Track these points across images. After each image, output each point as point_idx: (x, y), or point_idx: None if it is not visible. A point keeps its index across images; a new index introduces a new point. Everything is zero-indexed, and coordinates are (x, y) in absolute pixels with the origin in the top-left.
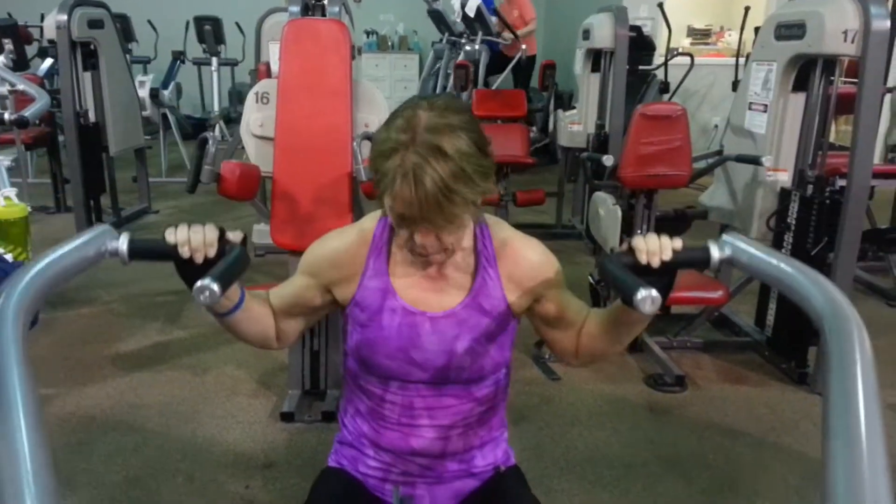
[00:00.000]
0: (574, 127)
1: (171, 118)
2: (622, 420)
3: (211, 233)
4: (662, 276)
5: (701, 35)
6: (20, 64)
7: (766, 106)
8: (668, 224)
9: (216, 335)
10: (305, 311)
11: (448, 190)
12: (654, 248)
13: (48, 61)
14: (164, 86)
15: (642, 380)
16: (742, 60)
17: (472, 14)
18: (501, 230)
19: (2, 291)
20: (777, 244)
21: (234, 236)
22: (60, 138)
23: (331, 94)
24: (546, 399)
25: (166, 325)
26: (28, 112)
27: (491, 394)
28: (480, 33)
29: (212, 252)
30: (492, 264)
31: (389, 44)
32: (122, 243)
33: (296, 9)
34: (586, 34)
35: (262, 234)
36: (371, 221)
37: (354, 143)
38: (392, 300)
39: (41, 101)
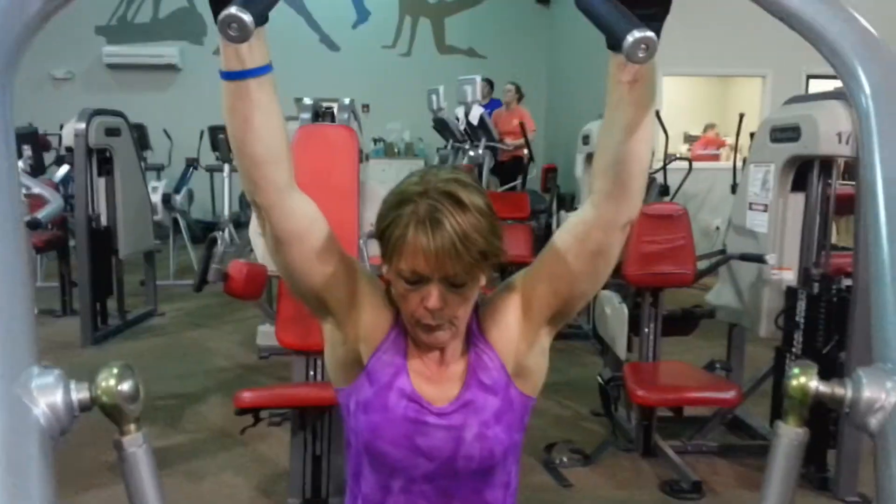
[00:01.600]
0: None
1: (181, 222)
2: None
3: None
4: (655, 8)
5: (696, 140)
6: (37, 169)
7: (766, 206)
8: (676, 323)
9: (215, 440)
10: (332, 255)
11: (466, 238)
12: None
13: (64, 168)
14: (177, 191)
15: (657, 486)
16: (739, 164)
17: (475, 122)
18: (481, 299)
19: None
20: (787, 343)
21: None
22: (72, 243)
23: (339, 194)
24: None
25: (165, 430)
26: (41, 214)
27: (500, 498)
28: (484, 139)
29: None
30: (478, 335)
31: (396, 150)
32: None
33: (307, 116)
34: (586, 139)
35: (266, 335)
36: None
37: (361, 242)
38: (402, 381)
39: (54, 203)
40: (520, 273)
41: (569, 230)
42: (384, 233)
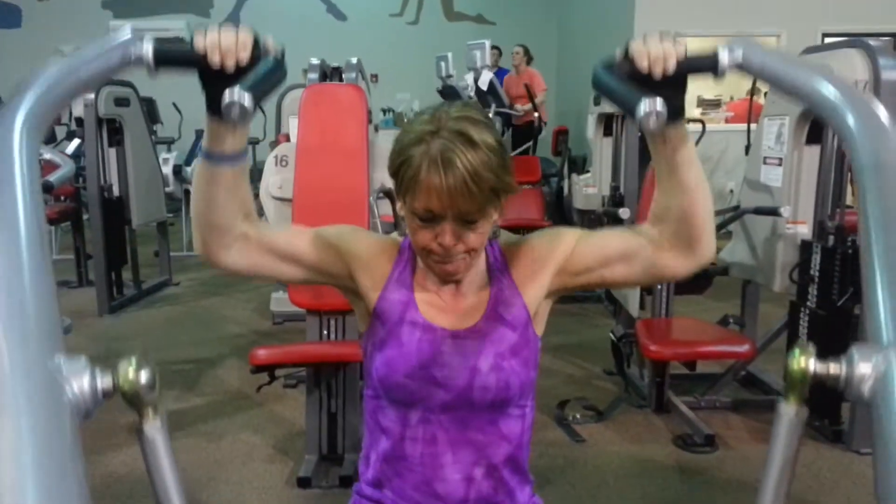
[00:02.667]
0: (589, 190)
1: None
2: (652, 482)
3: (244, 34)
4: (668, 86)
5: (711, 105)
6: (48, 138)
7: (780, 160)
8: (689, 281)
9: (232, 402)
10: (287, 251)
11: (477, 176)
12: (657, 53)
13: (75, 142)
14: (188, 163)
15: (671, 440)
16: (753, 126)
17: (485, 87)
18: (507, 237)
19: (15, 94)
20: (801, 296)
21: (271, 43)
22: (85, 216)
23: (348, 154)
24: (571, 462)
25: (183, 393)
26: (53, 177)
27: (517, 430)
28: (494, 105)
29: (244, 56)
30: (504, 272)
31: (405, 120)
32: (147, 49)
33: (314, 76)
34: (597, 100)
35: (279, 302)
36: (400, 237)
37: (371, 200)
38: (413, 313)
39: (66, 167)
40: (572, 233)
41: (648, 247)
42: (397, 172)
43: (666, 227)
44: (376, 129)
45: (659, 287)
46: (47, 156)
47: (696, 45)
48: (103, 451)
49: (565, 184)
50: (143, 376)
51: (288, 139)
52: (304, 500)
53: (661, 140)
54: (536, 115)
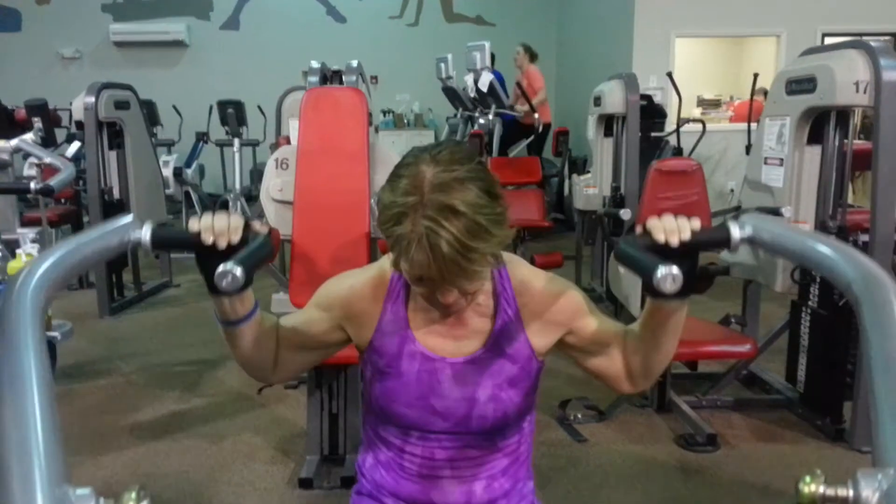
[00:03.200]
0: (589, 190)
1: (193, 196)
2: (653, 482)
3: (236, 219)
4: (683, 259)
5: (711, 105)
6: (48, 142)
7: (781, 160)
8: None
9: (234, 403)
10: (312, 344)
11: (466, 249)
12: (672, 227)
13: (75, 144)
14: (188, 165)
15: (672, 440)
16: (753, 125)
17: (485, 89)
18: (519, 268)
19: (22, 274)
20: (803, 296)
21: (260, 227)
22: (85, 219)
23: (348, 157)
24: (573, 461)
25: (184, 394)
26: (53, 181)
27: (515, 444)
28: (494, 106)
29: (235, 237)
30: (511, 305)
31: (405, 121)
32: (146, 233)
33: (315, 79)
34: (598, 101)
35: (280, 303)
36: (389, 263)
37: (372, 202)
38: (411, 346)
39: (66, 171)
40: (589, 303)
41: (623, 332)
42: (387, 235)
43: (636, 366)
44: (377, 130)
45: None
46: (48, 160)
47: (706, 224)
48: (105, 452)
49: (566, 184)
50: None
51: (288, 142)
52: (306, 500)
53: (660, 307)
54: (537, 115)
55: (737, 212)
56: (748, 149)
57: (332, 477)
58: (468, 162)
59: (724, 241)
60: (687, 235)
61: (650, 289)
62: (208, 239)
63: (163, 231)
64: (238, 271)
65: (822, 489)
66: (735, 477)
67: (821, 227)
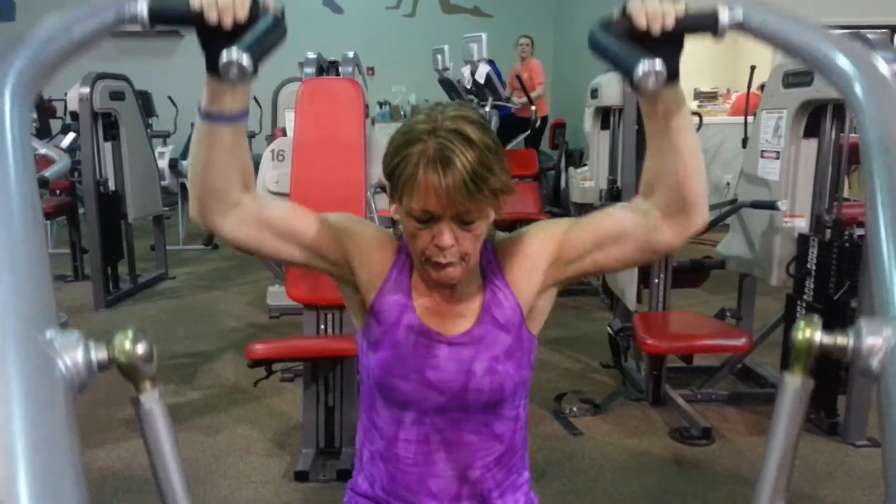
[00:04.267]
0: (586, 183)
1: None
2: (648, 475)
3: None
4: (666, 46)
5: (707, 98)
6: (43, 133)
7: (777, 153)
8: (686, 275)
9: (229, 395)
10: (300, 238)
11: (476, 175)
12: (655, 11)
13: (70, 135)
14: (184, 156)
15: (667, 433)
16: (750, 118)
17: (482, 80)
18: (500, 238)
19: (5, 54)
20: (798, 290)
21: (270, 1)
22: (81, 211)
23: (345, 148)
24: (568, 454)
25: (180, 387)
26: (49, 172)
27: (510, 430)
28: (490, 98)
29: (242, 14)
30: (497, 273)
31: (402, 113)
32: (142, 5)
33: (311, 70)
34: (594, 93)
35: (276, 296)
36: (396, 238)
37: (368, 195)
38: (410, 316)
39: (62, 162)
40: (560, 223)
41: (638, 222)
42: (393, 172)
43: (658, 196)
44: (373, 122)
45: (656, 280)
46: (42, 150)
47: (694, 4)
48: (101, 445)
49: (562, 177)
50: (140, 348)
51: (284, 133)
52: (302, 493)
53: (655, 104)
54: (533, 108)
55: (732, 205)
56: (745, 142)
57: (328, 470)
58: (478, 114)
59: (712, 26)
60: (671, 21)
61: (631, 86)
62: (212, 16)
63: (161, 4)
64: (245, 60)
65: (818, 336)
66: (730, 470)
67: (816, 220)
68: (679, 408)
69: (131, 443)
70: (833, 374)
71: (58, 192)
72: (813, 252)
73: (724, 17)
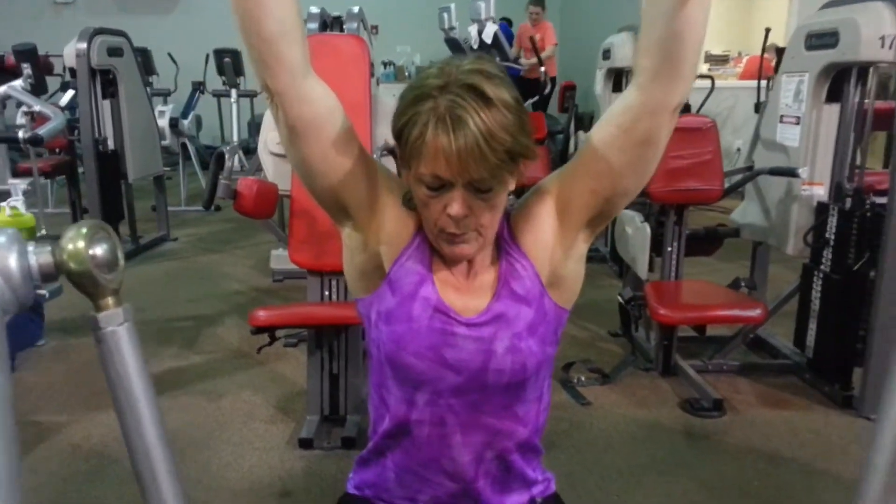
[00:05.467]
0: None
1: (190, 148)
2: (659, 446)
3: None
4: None
5: (719, 61)
6: (38, 89)
7: (798, 118)
8: (699, 242)
9: (233, 360)
10: (349, 152)
11: (491, 136)
12: None
13: (69, 93)
14: (184, 115)
15: (677, 404)
16: (763, 82)
17: (489, 41)
18: (512, 205)
19: None
20: (815, 260)
21: None
22: (80, 170)
23: (350, 108)
24: (576, 425)
25: (182, 351)
26: (42, 130)
27: (533, 414)
28: (498, 59)
29: None
30: (511, 244)
31: (406, 74)
32: None
33: (314, 26)
34: (607, 54)
35: (279, 259)
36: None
37: (374, 158)
38: (427, 289)
39: (56, 120)
40: (552, 175)
41: (610, 121)
42: (401, 133)
43: (644, 60)
44: (377, 82)
45: (669, 248)
46: (37, 107)
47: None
48: (100, 410)
49: (571, 141)
50: (99, 249)
51: None
52: (306, 461)
53: None
54: (543, 69)
55: (749, 171)
56: (757, 107)
57: (332, 437)
58: (498, 67)
59: None
60: None
61: None
62: None
63: None
64: None
65: None
66: (741, 443)
67: (836, 188)
68: (689, 378)
69: None
70: (849, 346)
71: (57, 150)
72: (832, 221)
73: None
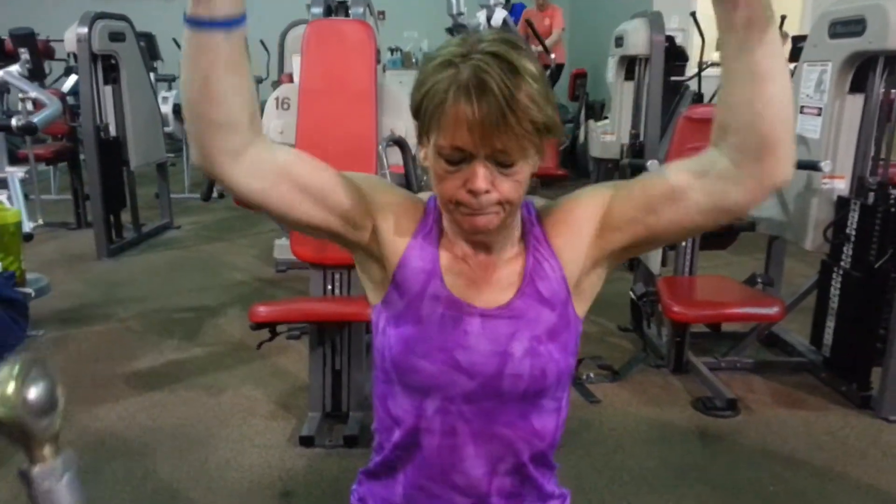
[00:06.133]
0: (607, 137)
1: None
2: (671, 447)
3: None
4: None
5: None
6: (36, 74)
7: (819, 109)
8: (714, 236)
9: (234, 353)
10: (320, 192)
11: (516, 103)
12: None
13: (72, 78)
14: None
15: (690, 403)
16: None
17: (497, 26)
18: (545, 204)
19: None
20: (835, 256)
21: None
22: (82, 156)
23: (355, 97)
24: (586, 424)
25: (183, 343)
26: (37, 118)
27: (551, 427)
28: None
29: None
30: (542, 241)
31: (413, 60)
32: None
33: (318, 10)
34: (619, 41)
35: (283, 249)
36: (425, 196)
37: (380, 149)
38: (436, 285)
39: (52, 107)
40: (607, 186)
41: (700, 178)
42: (420, 104)
43: (731, 136)
44: (384, 69)
45: (683, 243)
46: (33, 94)
47: None
48: (100, 403)
49: (581, 131)
50: (34, 392)
51: (291, 79)
52: (308, 459)
53: (736, 7)
54: (553, 56)
55: None
56: None
57: (334, 435)
58: (523, 44)
59: None
60: None
61: None
62: None
63: None
64: None
65: None
66: (755, 444)
67: (858, 182)
68: (702, 376)
69: (132, 401)
70: (868, 345)
71: (59, 136)
72: (853, 216)
73: None
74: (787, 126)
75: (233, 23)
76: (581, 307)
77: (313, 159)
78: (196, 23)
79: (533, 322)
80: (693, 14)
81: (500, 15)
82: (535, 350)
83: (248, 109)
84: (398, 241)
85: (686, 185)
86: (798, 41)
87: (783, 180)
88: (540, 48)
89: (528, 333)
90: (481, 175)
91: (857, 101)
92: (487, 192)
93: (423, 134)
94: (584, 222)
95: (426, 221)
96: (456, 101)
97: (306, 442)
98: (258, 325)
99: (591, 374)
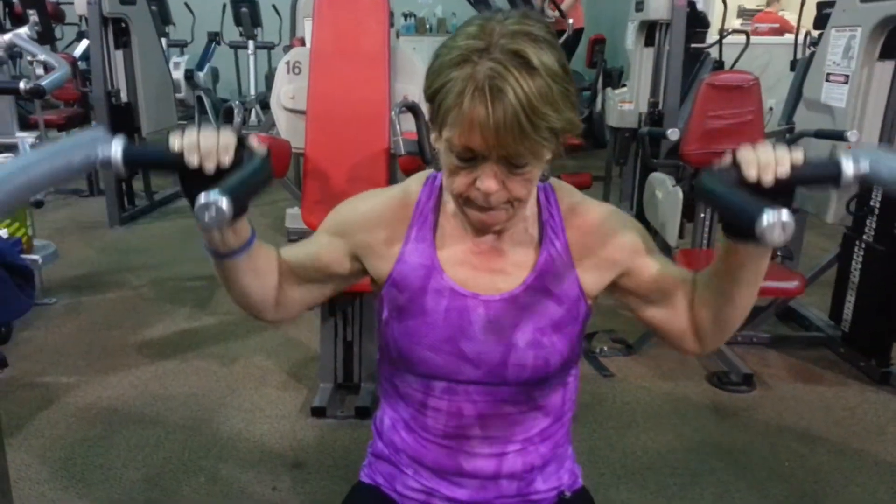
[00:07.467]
0: (625, 106)
1: (206, 101)
2: (685, 422)
3: (226, 136)
4: (777, 197)
5: (752, 16)
6: (45, 37)
7: (846, 77)
8: None
9: (246, 322)
10: (320, 276)
11: (533, 110)
12: (768, 161)
13: (83, 42)
14: (200, 67)
15: (705, 378)
16: (801, 38)
17: None
18: (570, 195)
19: None
20: (857, 229)
21: (258, 146)
22: (93, 122)
23: (367, 61)
24: (599, 398)
25: (195, 311)
26: (45, 81)
27: (558, 402)
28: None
29: (226, 159)
30: (559, 236)
31: (428, 26)
32: (116, 150)
33: None
34: (639, 5)
35: (294, 218)
36: (416, 184)
37: (392, 114)
38: (438, 279)
39: (60, 70)
40: (648, 241)
41: (691, 279)
42: (434, 97)
43: (703, 322)
44: (398, 34)
45: (702, 214)
46: (41, 57)
47: (812, 154)
48: (111, 372)
49: (598, 99)
50: None
51: (303, 43)
52: (319, 430)
53: (737, 251)
54: (570, 21)
55: (789, 134)
56: (793, 64)
57: (346, 406)
58: (545, 28)
59: (833, 178)
60: (785, 169)
61: (741, 233)
62: (193, 161)
63: (138, 150)
64: (224, 203)
65: None
66: (771, 420)
67: None
68: (718, 351)
69: (144, 370)
70: (889, 320)
71: (72, 102)
72: (878, 188)
73: (849, 169)
74: (735, 327)
75: (242, 249)
76: (592, 301)
77: (306, 248)
78: (215, 255)
79: (539, 315)
80: None
81: None
82: (538, 342)
83: (272, 294)
84: (388, 247)
85: (680, 299)
86: (825, 7)
87: (705, 351)
88: (556, 13)
89: (531, 325)
90: (491, 176)
91: (888, 67)
92: (497, 191)
93: (435, 123)
94: (616, 256)
95: (419, 212)
96: (471, 105)
97: (318, 413)
98: None
99: (605, 348)
